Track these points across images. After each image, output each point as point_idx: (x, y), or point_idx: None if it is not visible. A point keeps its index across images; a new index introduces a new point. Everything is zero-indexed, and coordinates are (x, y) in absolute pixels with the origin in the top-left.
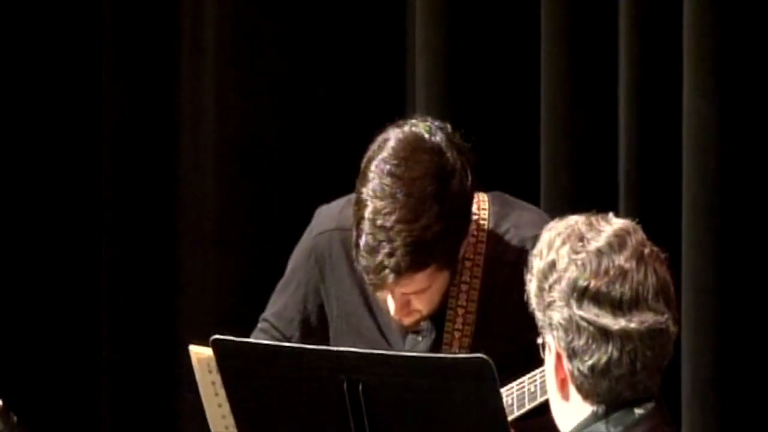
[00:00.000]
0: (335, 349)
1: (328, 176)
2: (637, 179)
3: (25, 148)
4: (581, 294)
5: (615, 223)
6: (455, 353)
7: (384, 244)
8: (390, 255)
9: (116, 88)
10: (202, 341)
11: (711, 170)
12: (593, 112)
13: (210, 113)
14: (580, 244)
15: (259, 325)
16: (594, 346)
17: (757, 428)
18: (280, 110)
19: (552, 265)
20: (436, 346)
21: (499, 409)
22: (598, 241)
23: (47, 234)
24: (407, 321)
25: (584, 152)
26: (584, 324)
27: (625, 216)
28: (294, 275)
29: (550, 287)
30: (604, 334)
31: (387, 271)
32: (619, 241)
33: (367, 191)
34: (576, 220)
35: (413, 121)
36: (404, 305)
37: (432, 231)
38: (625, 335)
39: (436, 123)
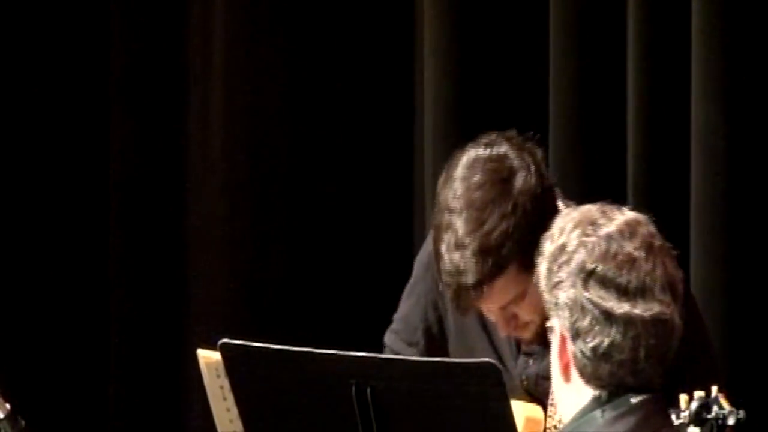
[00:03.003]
0: (343, 353)
1: (337, 180)
2: (646, 181)
3: (32, 154)
4: (588, 275)
5: (627, 214)
6: None
7: (457, 261)
8: (464, 271)
9: (125, 91)
10: (211, 345)
11: (719, 173)
12: (602, 115)
13: (218, 117)
14: (591, 227)
15: (392, 326)
16: (597, 328)
17: (765, 427)
18: (289, 113)
19: (562, 248)
20: (547, 369)
21: (507, 414)
22: (609, 227)
23: (55, 239)
24: (524, 335)
25: (593, 155)
26: (589, 305)
27: None
28: (416, 285)
29: (559, 267)
30: (607, 317)
31: (465, 288)
32: (630, 230)
33: (438, 218)
34: (589, 208)
35: (478, 141)
36: (509, 319)
37: (497, 233)
38: (628, 320)
39: (500, 134)
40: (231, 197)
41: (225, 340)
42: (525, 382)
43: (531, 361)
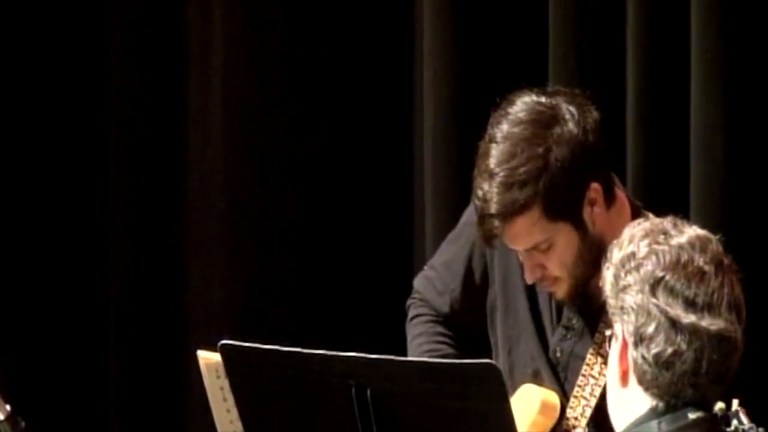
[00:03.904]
0: (343, 354)
1: (336, 183)
2: (645, 181)
3: (32, 157)
4: (656, 283)
5: (698, 230)
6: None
7: (486, 189)
8: (489, 200)
9: (124, 100)
10: (211, 346)
11: (718, 173)
12: (601, 115)
13: (218, 123)
14: (662, 237)
15: (427, 271)
16: (662, 335)
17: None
18: (289, 115)
19: (631, 255)
20: (582, 349)
21: (507, 413)
22: (680, 238)
23: (56, 242)
24: (554, 290)
25: None
26: (656, 311)
27: None
28: (464, 228)
29: (627, 273)
30: (673, 325)
31: (488, 216)
32: (701, 244)
33: (481, 146)
34: (660, 220)
35: (539, 88)
36: (535, 267)
37: (523, 170)
38: (694, 331)
39: (563, 89)
40: (230, 199)
41: (225, 341)
42: (558, 354)
43: (569, 335)
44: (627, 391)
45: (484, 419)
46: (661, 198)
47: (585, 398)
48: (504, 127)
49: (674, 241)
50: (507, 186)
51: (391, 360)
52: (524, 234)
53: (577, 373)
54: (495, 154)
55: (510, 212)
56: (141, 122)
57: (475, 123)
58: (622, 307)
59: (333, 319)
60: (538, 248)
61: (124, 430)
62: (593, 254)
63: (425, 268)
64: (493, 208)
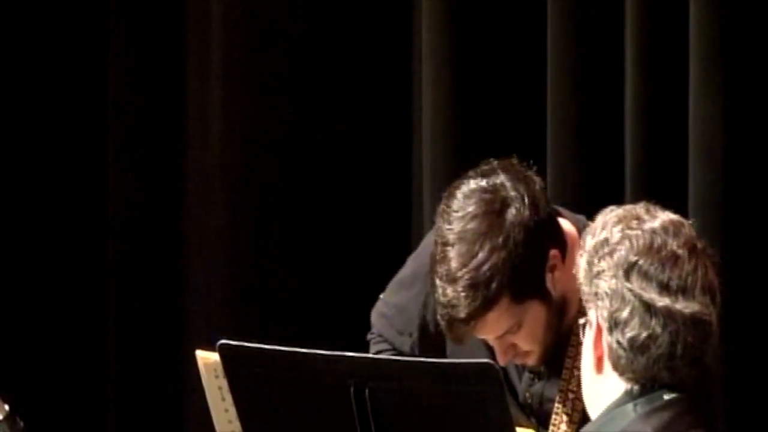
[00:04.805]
0: (342, 354)
1: (334, 183)
2: (644, 182)
3: (31, 157)
4: (630, 267)
5: (671, 215)
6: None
7: (450, 295)
8: (456, 306)
9: (123, 97)
10: (209, 346)
11: (717, 173)
12: (599, 115)
13: (217, 120)
14: (635, 222)
15: (382, 308)
16: (637, 319)
17: (764, 426)
18: (287, 116)
19: (605, 241)
20: (551, 391)
21: (505, 414)
22: (653, 223)
23: (54, 240)
24: (527, 362)
25: (591, 155)
26: (630, 296)
27: None
28: (417, 279)
29: (600, 259)
30: (647, 309)
31: (457, 321)
32: (674, 228)
33: (434, 249)
34: (633, 206)
35: (476, 169)
36: (508, 349)
37: (486, 267)
38: (668, 314)
39: (499, 162)
40: (230, 200)
41: (224, 340)
42: (529, 400)
43: (536, 379)
44: (602, 378)
45: (484, 419)
46: (660, 198)
47: None
48: (455, 227)
49: (647, 226)
50: (473, 287)
51: (390, 360)
52: (494, 325)
53: (549, 415)
54: (454, 257)
55: (480, 312)
56: (140, 122)
57: (474, 123)
58: (596, 293)
59: (332, 319)
60: (508, 332)
61: (123, 430)
62: (559, 315)
63: (379, 299)
64: (462, 313)
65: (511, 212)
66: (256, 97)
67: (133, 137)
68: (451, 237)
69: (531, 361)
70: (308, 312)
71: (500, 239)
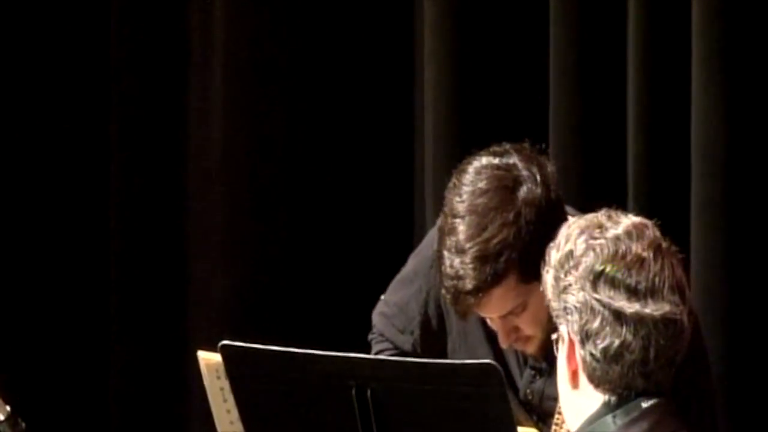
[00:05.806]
0: (344, 355)
1: (336, 184)
2: (646, 182)
3: (34, 156)
4: (597, 277)
5: (633, 218)
6: None
7: (457, 266)
8: (463, 277)
9: (124, 97)
10: (211, 347)
11: (718, 173)
12: (601, 115)
13: (218, 122)
14: (598, 231)
15: (383, 308)
16: (608, 329)
17: (764, 426)
18: (288, 117)
19: (569, 254)
20: (553, 388)
21: (507, 414)
22: (616, 229)
23: (56, 240)
24: (527, 349)
25: (593, 155)
26: (599, 306)
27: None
28: (417, 276)
29: (567, 273)
30: (618, 317)
31: (464, 293)
32: (637, 232)
33: (442, 222)
34: (595, 215)
35: (488, 149)
36: (510, 331)
37: (496, 240)
38: (639, 320)
39: (512, 145)
40: (231, 199)
41: (225, 341)
42: (530, 397)
43: (538, 376)
44: (578, 392)
45: (484, 419)
46: (661, 197)
47: None
48: (466, 200)
49: (610, 233)
50: (482, 260)
51: (392, 360)
52: (500, 302)
53: (551, 413)
54: (463, 229)
55: (487, 285)
56: (142, 122)
57: (475, 123)
58: (565, 308)
59: (333, 319)
60: (512, 312)
61: (124, 430)
62: None
63: (381, 299)
64: (470, 285)
65: (524, 190)
66: (258, 97)
67: (135, 136)
68: (461, 209)
69: (531, 349)
70: (309, 312)
71: (511, 215)
